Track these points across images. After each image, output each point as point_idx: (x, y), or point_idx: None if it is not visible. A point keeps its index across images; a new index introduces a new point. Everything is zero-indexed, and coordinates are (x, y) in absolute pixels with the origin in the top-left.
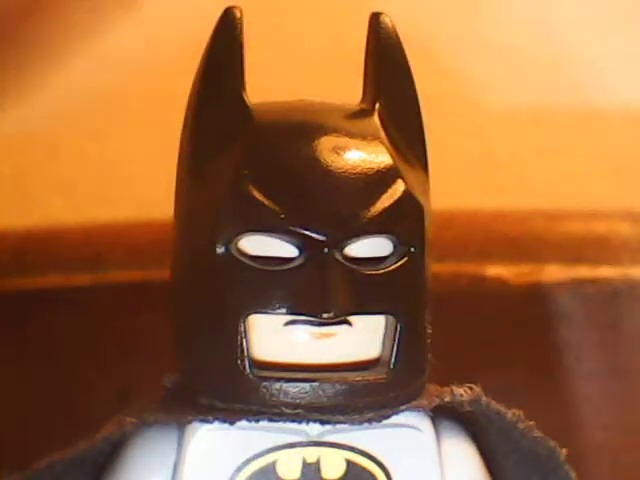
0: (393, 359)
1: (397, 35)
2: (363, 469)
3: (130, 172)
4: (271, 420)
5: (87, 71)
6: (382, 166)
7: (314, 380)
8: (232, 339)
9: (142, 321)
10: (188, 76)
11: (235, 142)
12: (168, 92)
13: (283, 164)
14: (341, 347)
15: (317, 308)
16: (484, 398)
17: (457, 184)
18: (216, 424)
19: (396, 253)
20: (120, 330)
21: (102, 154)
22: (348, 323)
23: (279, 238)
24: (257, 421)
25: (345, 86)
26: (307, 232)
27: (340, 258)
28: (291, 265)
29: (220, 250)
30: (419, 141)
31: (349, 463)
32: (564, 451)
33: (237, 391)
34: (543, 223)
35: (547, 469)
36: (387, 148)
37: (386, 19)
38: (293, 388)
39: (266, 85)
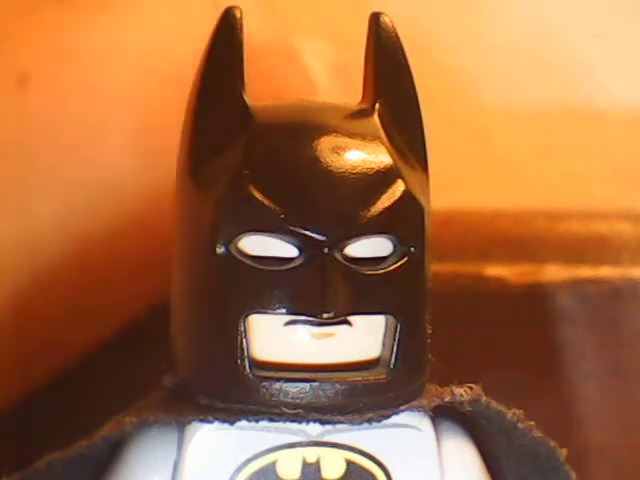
0: (393, 359)
1: (397, 35)
2: (363, 469)
3: None
4: (271, 420)
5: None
6: (382, 166)
7: (314, 380)
8: (232, 339)
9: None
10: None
11: (235, 142)
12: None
13: (283, 164)
14: (341, 347)
15: (317, 308)
16: (484, 398)
17: (457, 184)
18: (216, 424)
19: (396, 253)
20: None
21: None
22: (348, 323)
23: (279, 238)
24: (257, 421)
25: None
26: (307, 232)
27: (340, 258)
28: (291, 265)
29: (220, 250)
30: (419, 141)
31: (349, 463)
32: (564, 451)
33: (237, 391)
34: (543, 223)
35: (547, 469)
36: (387, 148)
37: (386, 19)
38: (293, 388)
39: None
